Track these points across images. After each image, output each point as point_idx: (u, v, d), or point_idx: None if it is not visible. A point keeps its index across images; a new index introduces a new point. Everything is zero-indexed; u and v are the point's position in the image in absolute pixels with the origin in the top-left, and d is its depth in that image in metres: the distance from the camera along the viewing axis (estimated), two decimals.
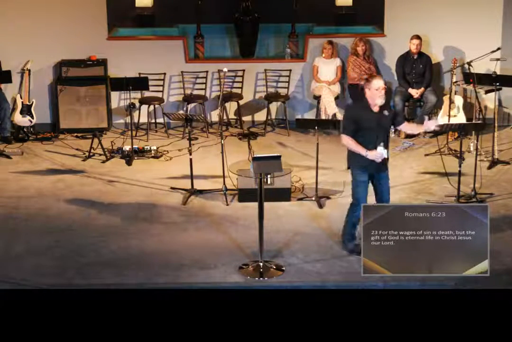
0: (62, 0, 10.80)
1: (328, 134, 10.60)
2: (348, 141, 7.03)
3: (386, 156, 7.00)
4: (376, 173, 7.15)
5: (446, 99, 10.16)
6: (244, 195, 8.42)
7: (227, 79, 10.70)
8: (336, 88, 10.88)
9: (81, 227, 7.92)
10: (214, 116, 11.09)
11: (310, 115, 11.16)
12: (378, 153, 6.93)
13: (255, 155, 7.04)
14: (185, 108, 10.93)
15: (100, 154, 9.87)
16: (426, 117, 7.40)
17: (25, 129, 10.65)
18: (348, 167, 7.23)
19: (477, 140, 9.15)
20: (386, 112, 7.02)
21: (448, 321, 5.88)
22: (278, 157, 7.02)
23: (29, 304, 6.04)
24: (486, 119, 9.64)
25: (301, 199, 8.53)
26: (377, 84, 6.91)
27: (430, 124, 7.19)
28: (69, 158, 9.91)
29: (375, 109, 7.00)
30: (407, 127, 7.40)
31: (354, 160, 7.11)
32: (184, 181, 8.88)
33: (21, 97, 10.62)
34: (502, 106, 10.95)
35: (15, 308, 5.98)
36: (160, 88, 10.94)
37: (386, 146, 7.02)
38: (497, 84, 9.52)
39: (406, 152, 10.04)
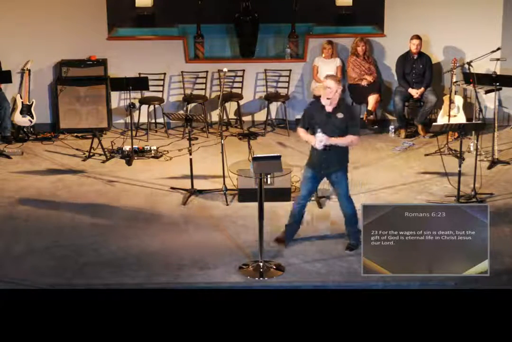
0: (62, 0, 10.80)
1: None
2: (300, 133, 7.33)
3: (327, 143, 7.03)
4: (325, 174, 7.25)
5: (446, 99, 10.15)
6: (244, 195, 8.42)
7: (227, 79, 10.69)
8: None
9: (81, 227, 7.93)
10: (214, 116, 11.09)
11: None
12: (316, 138, 7.08)
13: (255, 155, 7.05)
14: (185, 108, 10.93)
15: (100, 154, 9.86)
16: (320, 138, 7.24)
17: (25, 129, 10.65)
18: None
19: (477, 140, 9.15)
20: (340, 115, 7.09)
21: (448, 321, 5.88)
22: (278, 157, 7.02)
23: (29, 304, 6.04)
24: (486, 119, 9.63)
25: None
26: (326, 84, 7.08)
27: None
28: (69, 158, 9.91)
29: (328, 109, 7.11)
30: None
31: (309, 156, 7.34)
32: (184, 181, 8.88)
33: (21, 97, 10.62)
34: (502, 106, 10.95)
35: (15, 308, 5.98)
36: (160, 88, 10.94)
37: (336, 150, 7.08)
38: (497, 84, 9.52)
39: (406, 152, 10.04)
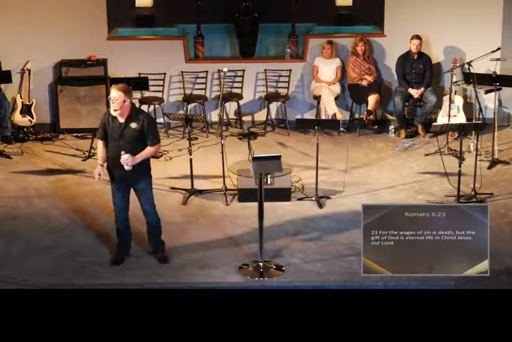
0: (62, 0, 10.80)
1: (328, 134, 10.64)
2: (98, 145, 7.13)
3: (129, 164, 6.81)
4: (130, 185, 7.06)
5: (446, 99, 10.15)
6: (244, 195, 8.42)
7: (227, 79, 10.69)
8: (336, 88, 10.89)
9: (81, 227, 7.93)
10: (214, 116, 11.09)
11: (310, 115, 11.16)
12: (121, 161, 6.82)
13: (255, 155, 7.04)
14: (185, 108, 10.93)
15: None
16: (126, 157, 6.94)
17: (25, 129, 10.66)
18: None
19: (477, 140, 9.15)
20: (133, 125, 6.86)
21: (448, 321, 5.88)
22: (278, 157, 7.02)
23: (29, 304, 6.03)
24: (486, 119, 9.64)
25: (301, 199, 8.53)
26: (110, 95, 6.82)
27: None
28: (69, 158, 9.91)
29: (120, 120, 6.88)
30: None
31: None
32: (184, 181, 8.88)
33: (21, 97, 10.63)
34: (502, 106, 10.95)
35: (15, 308, 5.97)
36: (160, 88, 10.94)
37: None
38: (497, 84, 9.53)
39: (406, 152, 10.05)
